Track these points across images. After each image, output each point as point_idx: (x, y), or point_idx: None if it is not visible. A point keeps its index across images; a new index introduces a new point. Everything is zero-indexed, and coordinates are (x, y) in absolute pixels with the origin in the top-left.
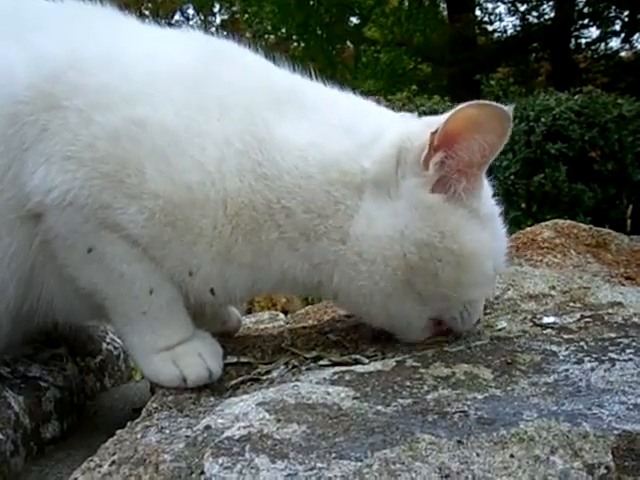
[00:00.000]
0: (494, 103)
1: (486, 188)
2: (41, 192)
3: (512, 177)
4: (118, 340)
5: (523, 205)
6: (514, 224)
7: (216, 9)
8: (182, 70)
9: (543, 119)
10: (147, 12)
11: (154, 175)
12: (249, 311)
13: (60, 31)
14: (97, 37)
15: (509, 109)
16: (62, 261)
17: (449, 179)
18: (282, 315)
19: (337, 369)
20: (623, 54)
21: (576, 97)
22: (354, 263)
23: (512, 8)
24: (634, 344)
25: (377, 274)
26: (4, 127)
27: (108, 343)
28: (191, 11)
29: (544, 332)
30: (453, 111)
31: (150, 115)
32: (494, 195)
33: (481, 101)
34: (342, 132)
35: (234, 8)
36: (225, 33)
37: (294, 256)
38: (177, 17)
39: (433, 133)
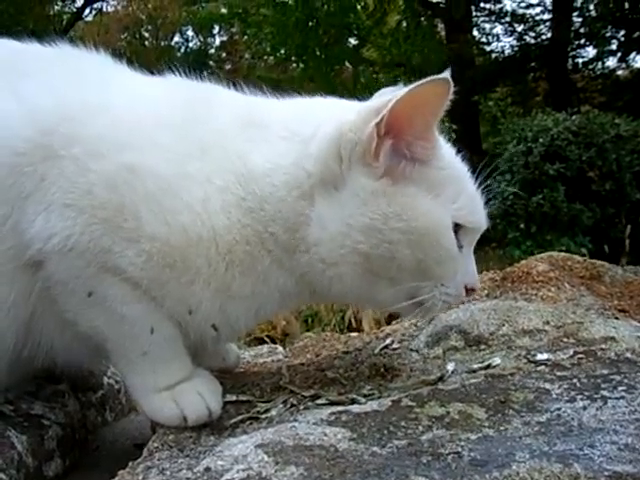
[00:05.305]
0: (431, 78)
1: (446, 148)
2: (42, 239)
3: (511, 198)
4: (119, 374)
5: (522, 226)
6: (513, 244)
7: (215, 31)
8: (165, 116)
9: (541, 140)
10: (147, 34)
11: (149, 219)
12: (248, 334)
13: (52, 82)
14: (87, 87)
15: (446, 74)
16: (62, 306)
17: (399, 159)
18: (281, 349)
19: (334, 409)
20: (620, 73)
21: (573, 117)
22: (322, 270)
23: (509, 28)
24: (626, 381)
25: (344, 276)
26: (3, 178)
27: (109, 377)
28: (190, 32)
29: (538, 369)
30: (397, 98)
31: (139, 161)
32: (490, 213)
33: (421, 81)
34: (289, 143)
35: (233, 29)
36: (224, 54)
37: (285, 273)
38: (177, 39)
39: (378, 123)
